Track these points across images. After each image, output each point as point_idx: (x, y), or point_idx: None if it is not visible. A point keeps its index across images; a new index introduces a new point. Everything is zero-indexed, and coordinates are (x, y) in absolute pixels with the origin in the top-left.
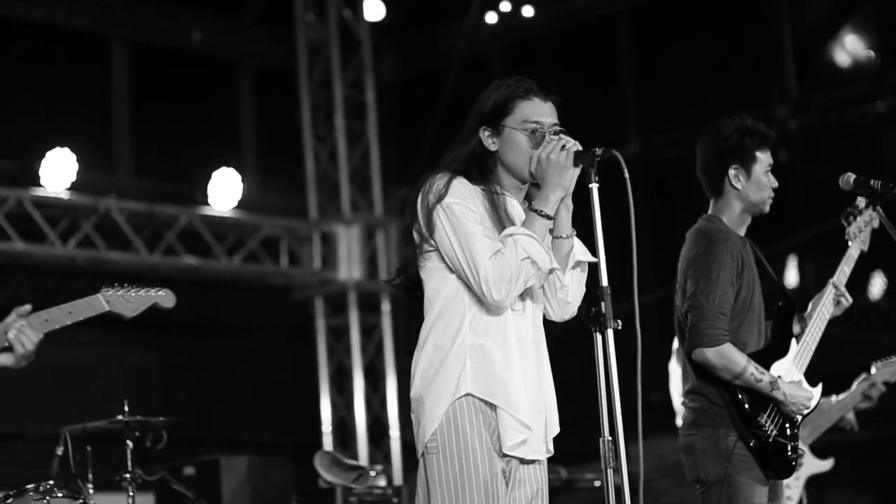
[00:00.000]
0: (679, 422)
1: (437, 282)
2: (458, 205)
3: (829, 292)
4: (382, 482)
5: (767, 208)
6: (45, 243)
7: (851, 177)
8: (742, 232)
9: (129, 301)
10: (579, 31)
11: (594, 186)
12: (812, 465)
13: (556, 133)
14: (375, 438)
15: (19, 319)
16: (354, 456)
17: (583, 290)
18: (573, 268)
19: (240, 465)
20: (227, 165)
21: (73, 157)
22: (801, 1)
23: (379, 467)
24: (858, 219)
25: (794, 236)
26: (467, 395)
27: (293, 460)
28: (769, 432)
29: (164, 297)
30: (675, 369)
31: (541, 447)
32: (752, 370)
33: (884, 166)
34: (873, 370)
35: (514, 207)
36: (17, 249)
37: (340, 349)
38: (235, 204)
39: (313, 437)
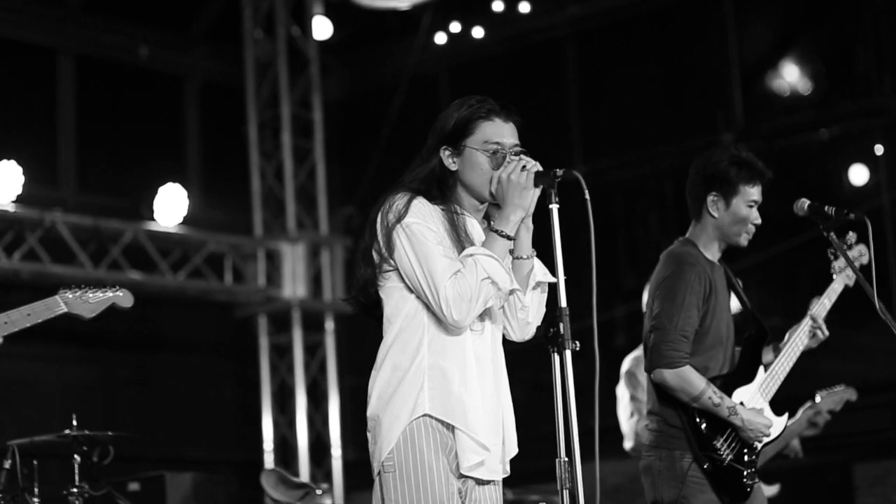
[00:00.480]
0: (627, 445)
1: (396, 301)
2: (418, 224)
3: (805, 323)
4: (329, 501)
5: (744, 242)
6: None
7: (806, 203)
8: (715, 257)
9: (87, 302)
10: (527, 52)
11: (554, 207)
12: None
13: (516, 154)
14: (317, 457)
15: None
16: (296, 475)
17: (543, 310)
18: (533, 288)
19: (185, 482)
20: (172, 181)
21: (20, 169)
22: (748, 29)
23: (325, 486)
24: (848, 253)
25: (738, 262)
26: (425, 415)
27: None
28: (724, 456)
29: (123, 298)
30: (622, 393)
31: (498, 468)
32: (711, 394)
33: (827, 193)
34: (818, 399)
35: (474, 228)
36: None
37: (283, 367)
38: (181, 220)
39: (254, 455)
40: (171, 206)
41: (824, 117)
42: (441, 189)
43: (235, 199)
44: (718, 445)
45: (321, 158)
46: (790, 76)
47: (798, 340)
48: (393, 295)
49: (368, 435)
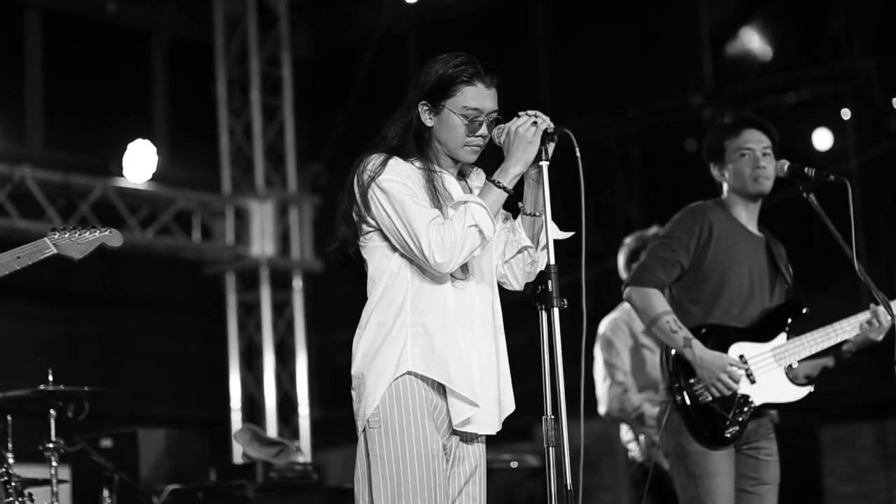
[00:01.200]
0: (601, 409)
1: (379, 260)
2: (392, 181)
3: (868, 312)
4: (302, 458)
5: (763, 187)
6: None
7: (786, 164)
8: (749, 222)
9: (77, 243)
10: (495, 13)
11: (545, 164)
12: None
13: (494, 121)
14: (284, 415)
15: None
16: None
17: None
18: (544, 248)
19: (157, 438)
20: (140, 137)
21: None
22: None
23: (298, 443)
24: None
25: None
26: (409, 372)
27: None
28: (698, 393)
29: (111, 237)
30: (598, 353)
31: (492, 422)
32: (669, 320)
33: (795, 157)
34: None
35: (452, 184)
36: None
37: (251, 325)
38: (150, 176)
39: (222, 413)
40: (139, 162)
41: (793, 80)
42: (418, 143)
43: (203, 156)
44: (693, 383)
45: (290, 116)
46: (760, 39)
47: (841, 326)
48: (375, 254)
49: (353, 393)
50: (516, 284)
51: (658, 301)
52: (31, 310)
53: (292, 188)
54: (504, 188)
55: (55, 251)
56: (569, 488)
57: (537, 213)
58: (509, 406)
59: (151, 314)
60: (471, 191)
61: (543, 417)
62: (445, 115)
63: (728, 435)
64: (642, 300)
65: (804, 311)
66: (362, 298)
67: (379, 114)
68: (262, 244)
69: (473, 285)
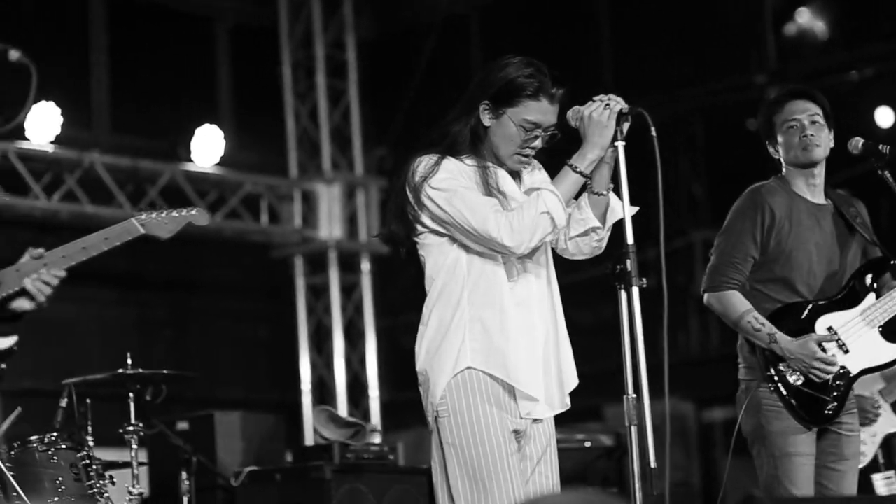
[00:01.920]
0: None
1: (435, 257)
2: (447, 179)
3: None
4: (378, 439)
5: (813, 155)
6: (29, 196)
7: (860, 141)
8: (810, 192)
9: (164, 223)
10: None
11: (620, 144)
12: (891, 422)
13: (550, 136)
14: (354, 397)
15: (33, 262)
16: None
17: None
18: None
19: (233, 421)
20: (206, 122)
21: (58, 110)
22: None
23: (375, 424)
24: None
25: None
26: (468, 368)
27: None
28: (792, 380)
29: (198, 216)
30: None
31: (555, 404)
32: (751, 319)
33: (858, 135)
34: None
35: (505, 180)
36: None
37: (320, 308)
38: (217, 160)
39: (291, 396)
40: (207, 146)
41: (856, 58)
42: (473, 140)
43: (268, 140)
44: (784, 369)
45: (355, 99)
46: (822, 16)
47: None
48: (432, 252)
49: (421, 389)
50: (580, 256)
51: (737, 302)
52: (101, 295)
53: (359, 171)
54: (581, 173)
55: (143, 231)
56: (652, 466)
57: (605, 193)
58: (572, 383)
59: (220, 298)
60: (523, 185)
61: (625, 396)
62: (504, 121)
63: (829, 412)
64: (721, 304)
65: (892, 262)
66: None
67: (442, 96)
68: (329, 227)
69: (530, 274)
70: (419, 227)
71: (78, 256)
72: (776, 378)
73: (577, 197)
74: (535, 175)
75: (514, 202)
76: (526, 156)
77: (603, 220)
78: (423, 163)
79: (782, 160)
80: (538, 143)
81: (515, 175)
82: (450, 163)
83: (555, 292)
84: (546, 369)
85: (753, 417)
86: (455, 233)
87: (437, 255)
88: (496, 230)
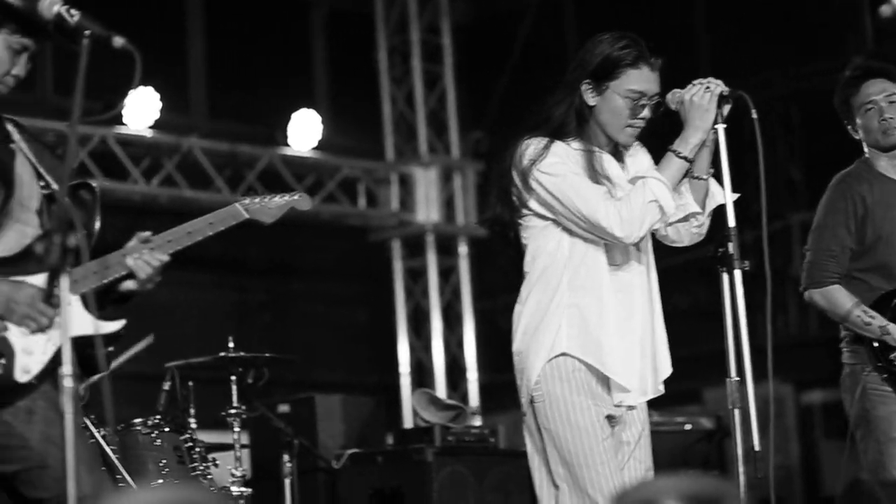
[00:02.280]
0: None
1: (538, 240)
2: (556, 164)
3: None
4: (478, 421)
5: (894, 139)
6: (128, 181)
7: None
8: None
9: (269, 208)
10: None
11: (720, 128)
12: None
13: (655, 104)
14: (453, 380)
15: (139, 245)
16: None
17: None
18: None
19: (334, 403)
20: (302, 107)
21: (157, 95)
22: None
23: (475, 406)
24: None
25: None
26: (563, 353)
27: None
28: None
29: (300, 201)
30: None
31: (648, 390)
32: (859, 313)
33: None
34: None
35: (610, 164)
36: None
37: (417, 291)
38: (315, 144)
39: (390, 379)
40: (304, 131)
41: None
42: (579, 122)
43: (364, 124)
44: (893, 357)
45: (451, 83)
46: None
47: None
48: (535, 235)
49: (516, 369)
50: (680, 243)
51: (842, 296)
52: (199, 279)
53: (455, 154)
54: (685, 158)
55: (248, 216)
56: (756, 450)
57: (705, 177)
58: (666, 371)
59: (318, 281)
60: (627, 169)
61: (728, 379)
62: (609, 96)
63: None
64: (826, 300)
65: None
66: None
67: (538, 79)
68: (426, 210)
69: (631, 260)
70: (524, 210)
71: (183, 241)
72: (893, 367)
73: None
74: (639, 158)
75: (619, 189)
76: (636, 128)
77: (703, 205)
78: (533, 146)
79: (864, 142)
80: (646, 112)
81: (620, 160)
82: (558, 146)
83: (653, 279)
84: (641, 356)
85: (858, 402)
86: (562, 218)
87: (539, 238)
88: (606, 220)
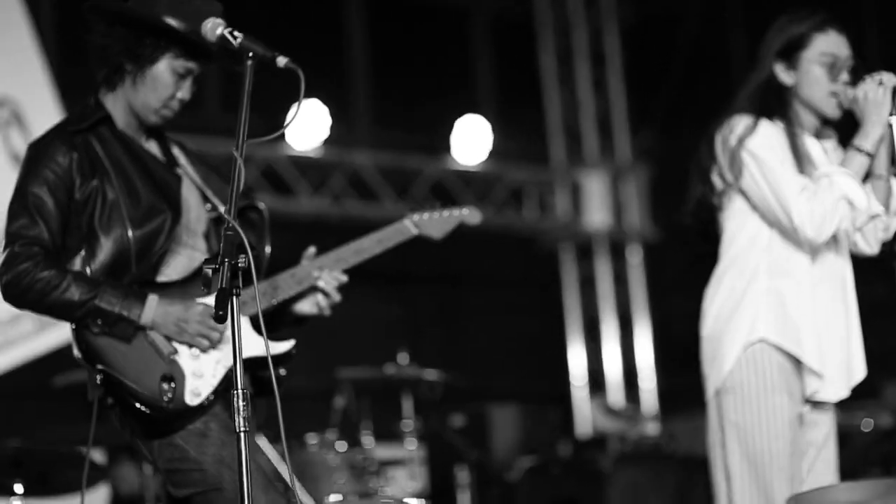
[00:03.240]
0: None
1: (738, 222)
2: (763, 146)
3: None
4: (655, 429)
5: None
6: (295, 198)
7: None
8: None
9: (438, 222)
10: None
11: (893, 119)
12: None
13: (852, 67)
14: (628, 387)
15: (307, 266)
16: None
17: None
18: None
19: (508, 414)
20: (466, 114)
21: (325, 109)
22: None
23: (650, 413)
24: None
25: None
26: (761, 340)
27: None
28: None
29: (469, 215)
30: None
31: (840, 389)
32: None
33: None
34: None
35: (813, 147)
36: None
37: (589, 297)
38: (486, 153)
39: (562, 387)
40: (472, 139)
41: None
42: (779, 104)
43: (529, 130)
44: None
45: (618, 87)
46: None
47: None
48: (736, 216)
49: (705, 355)
50: (868, 249)
51: None
52: (369, 292)
53: (624, 158)
54: (867, 153)
55: (417, 232)
56: None
57: (884, 175)
58: (859, 372)
59: (488, 291)
60: (825, 153)
61: None
62: (804, 67)
63: None
64: None
65: None
66: (700, 267)
67: (705, 80)
68: (596, 216)
69: (830, 252)
70: (729, 190)
71: (352, 259)
72: None
73: None
74: (832, 157)
75: (818, 174)
76: (839, 97)
77: (886, 205)
78: (742, 123)
79: None
80: (843, 76)
81: (819, 139)
82: (766, 127)
83: (849, 281)
84: (835, 354)
85: None
86: (754, 203)
87: (740, 219)
88: (799, 217)
